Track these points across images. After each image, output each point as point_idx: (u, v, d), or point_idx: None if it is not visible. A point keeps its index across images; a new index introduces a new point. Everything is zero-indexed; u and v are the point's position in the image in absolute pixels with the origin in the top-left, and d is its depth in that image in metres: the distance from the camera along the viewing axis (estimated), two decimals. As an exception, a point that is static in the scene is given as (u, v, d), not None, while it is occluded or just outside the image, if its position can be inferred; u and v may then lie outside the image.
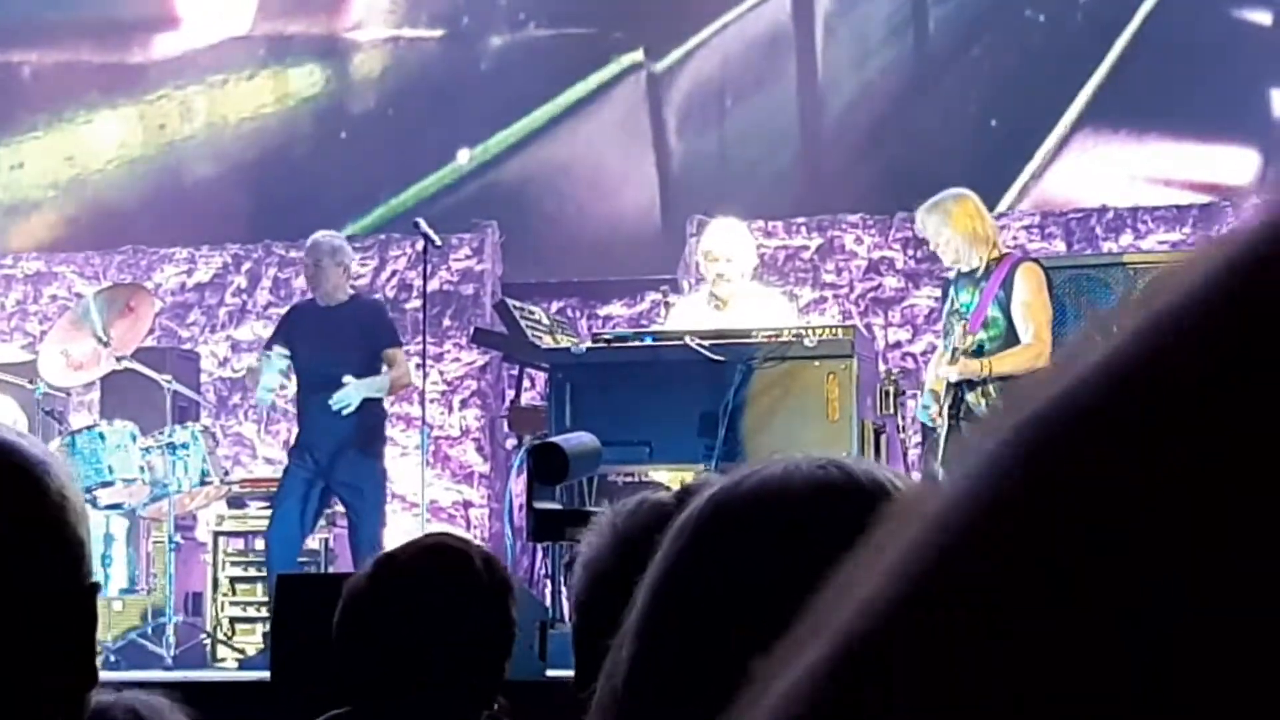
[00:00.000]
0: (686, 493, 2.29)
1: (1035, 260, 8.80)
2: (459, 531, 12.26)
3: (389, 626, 3.16)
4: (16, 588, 1.54)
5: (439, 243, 10.68)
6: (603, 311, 12.82)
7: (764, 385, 8.33)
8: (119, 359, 10.15)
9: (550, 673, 5.69)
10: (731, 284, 9.29)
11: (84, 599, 1.58)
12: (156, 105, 14.00)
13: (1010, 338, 8.38)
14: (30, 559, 1.55)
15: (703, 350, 8.35)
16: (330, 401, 9.79)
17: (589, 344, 8.98)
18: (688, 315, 9.46)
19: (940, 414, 8.43)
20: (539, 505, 4.79)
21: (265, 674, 6.28)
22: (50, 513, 1.57)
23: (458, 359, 12.84)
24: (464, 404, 12.86)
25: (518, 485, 11.25)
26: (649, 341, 8.82)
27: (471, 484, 12.75)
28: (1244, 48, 12.09)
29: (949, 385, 8.40)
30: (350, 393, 9.84)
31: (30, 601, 1.54)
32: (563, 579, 7.51)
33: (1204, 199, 11.94)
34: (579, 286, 12.94)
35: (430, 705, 3.20)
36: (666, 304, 11.43)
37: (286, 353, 9.98)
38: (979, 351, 8.32)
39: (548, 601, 8.11)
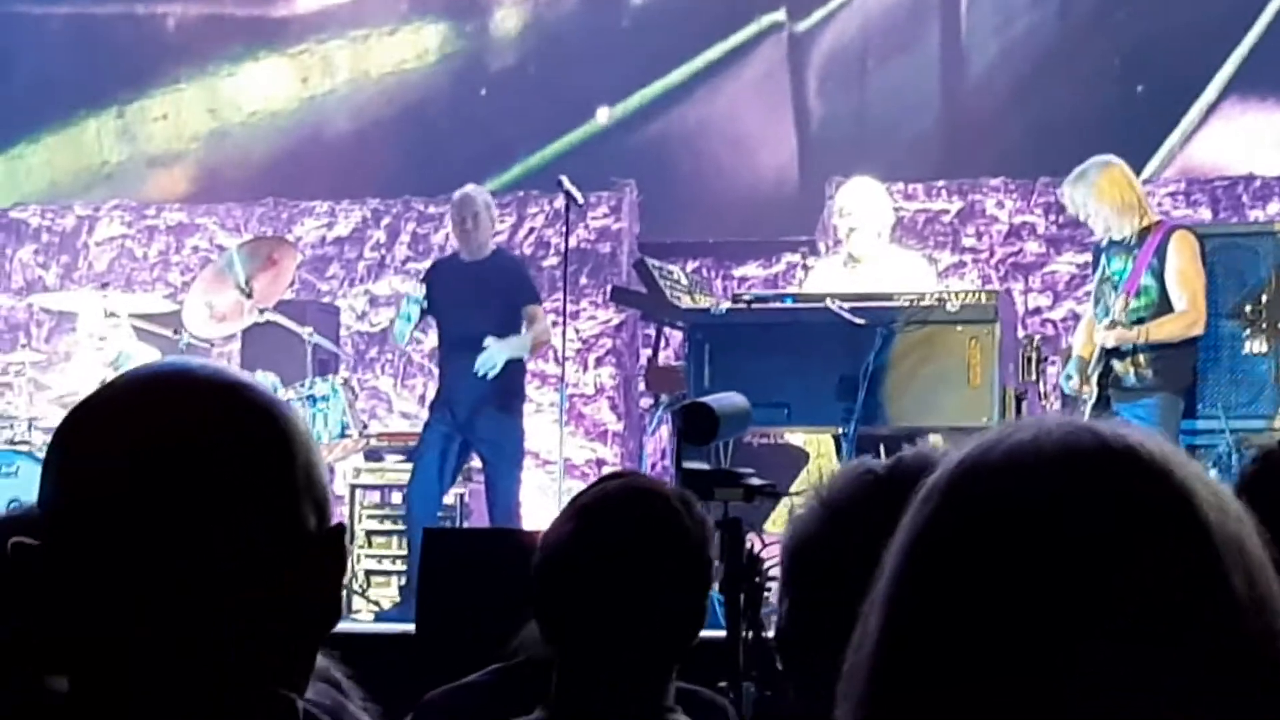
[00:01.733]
0: (899, 464, 2.28)
1: (1189, 228, 8.70)
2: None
3: (595, 576, 3.14)
4: (284, 531, 1.57)
5: (581, 200, 10.68)
6: (738, 272, 12.80)
7: (905, 349, 8.28)
8: (261, 311, 10.23)
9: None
10: (866, 242, 9.26)
11: (334, 540, 1.61)
12: (298, 59, 14.08)
13: (1163, 305, 8.31)
14: (290, 504, 1.58)
15: (843, 313, 8.30)
16: (475, 367, 9.84)
17: (728, 304, 8.95)
18: (824, 276, 9.44)
19: (1088, 382, 8.37)
20: (687, 465, 4.75)
21: (409, 627, 6.32)
22: (305, 456, 1.60)
23: (594, 317, 12.86)
24: (599, 362, 12.88)
25: (653, 444, 11.27)
26: (789, 303, 8.78)
27: (605, 442, 12.78)
28: (1397, 15, 11.90)
29: (1100, 354, 8.33)
30: (494, 354, 9.88)
31: (294, 543, 1.57)
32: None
33: (1352, 168, 11.79)
34: (714, 247, 12.91)
35: (636, 652, 3.18)
36: (805, 266, 11.42)
37: (422, 298, 10.02)
38: (1137, 321, 8.26)
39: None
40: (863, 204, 9.32)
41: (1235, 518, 1.28)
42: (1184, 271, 8.31)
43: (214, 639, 1.54)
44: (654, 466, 11.64)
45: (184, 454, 1.54)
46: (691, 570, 3.20)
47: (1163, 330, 8.27)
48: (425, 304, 10.04)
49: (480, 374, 9.85)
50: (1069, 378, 8.54)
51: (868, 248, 9.25)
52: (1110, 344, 8.26)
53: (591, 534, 3.17)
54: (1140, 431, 1.30)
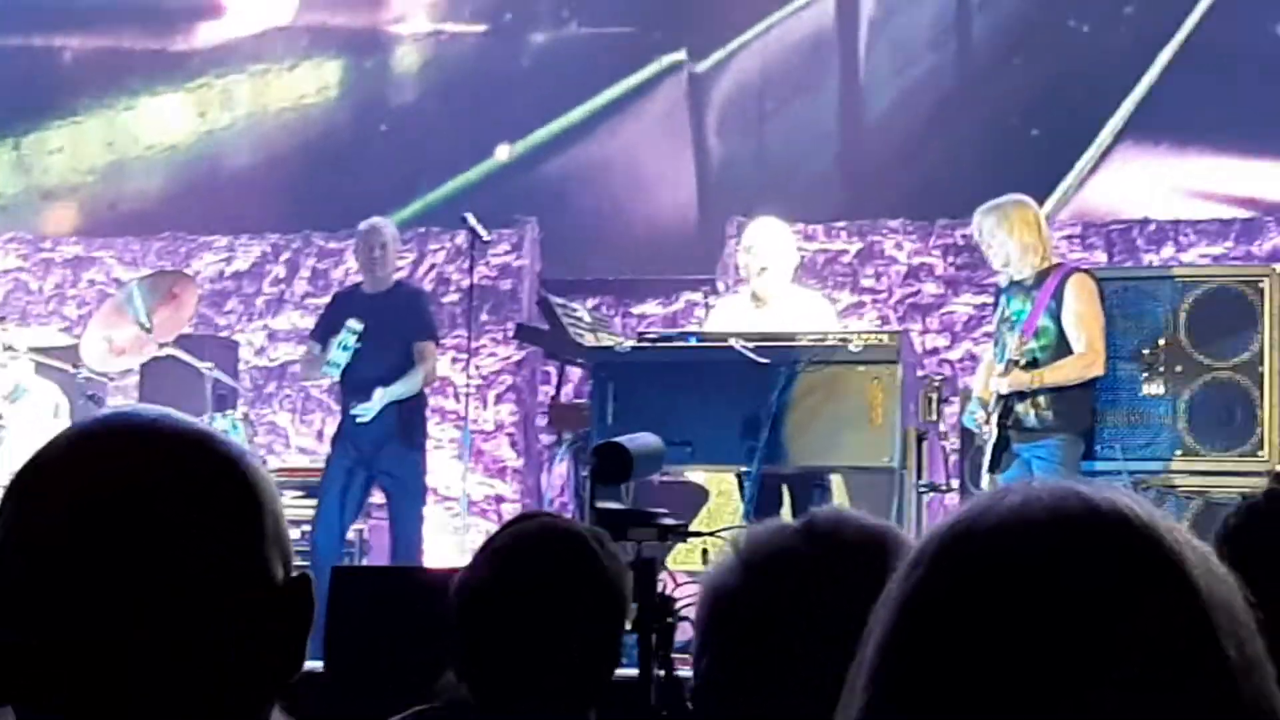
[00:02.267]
0: (814, 521, 2.32)
1: (1087, 271, 8.82)
2: (491, 526, 12.30)
3: (514, 616, 3.14)
4: (252, 581, 1.57)
5: (486, 237, 10.70)
6: (637, 310, 12.83)
7: (808, 388, 8.32)
8: (161, 345, 10.18)
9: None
10: (772, 282, 9.33)
11: (300, 589, 1.61)
12: (198, 93, 14.03)
13: (1061, 347, 8.40)
14: (258, 554, 1.58)
15: (747, 352, 8.34)
16: (353, 412, 9.85)
17: (633, 343, 8.98)
18: (728, 315, 9.49)
19: (989, 422, 8.45)
20: (601, 504, 4.78)
21: (316, 664, 6.30)
22: (271, 506, 1.61)
23: (494, 354, 12.86)
24: (499, 399, 12.88)
25: (552, 481, 11.27)
26: (693, 342, 8.82)
27: (504, 479, 12.77)
28: (1288, 63, 12.08)
29: (999, 395, 8.42)
30: (371, 405, 9.88)
31: (262, 592, 1.57)
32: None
33: (1246, 214, 11.94)
34: (615, 285, 12.95)
35: (554, 694, 3.19)
36: (706, 305, 11.46)
37: (360, 332, 9.96)
38: (1032, 362, 8.34)
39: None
40: (773, 244, 9.39)
41: (1223, 581, 1.30)
42: (1081, 314, 8.41)
43: (178, 691, 1.53)
44: (553, 503, 11.64)
45: (152, 505, 1.53)
46: (608, 609, 3.22)
47: (1059, 373, 8.36)
48: (360, 336, 10.00)
49: (356, 418, 9.85)
50: (972, 414, 8.62)
51: (775, 287, 9.32)
52: (1004, 390, 8.35)
53: (509, 575, 3.18)
54: (1128, 496, 1.32)
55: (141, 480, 1.54)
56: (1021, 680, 1.23)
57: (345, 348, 9.94)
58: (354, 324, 9.97)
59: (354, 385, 10.01)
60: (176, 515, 1.53)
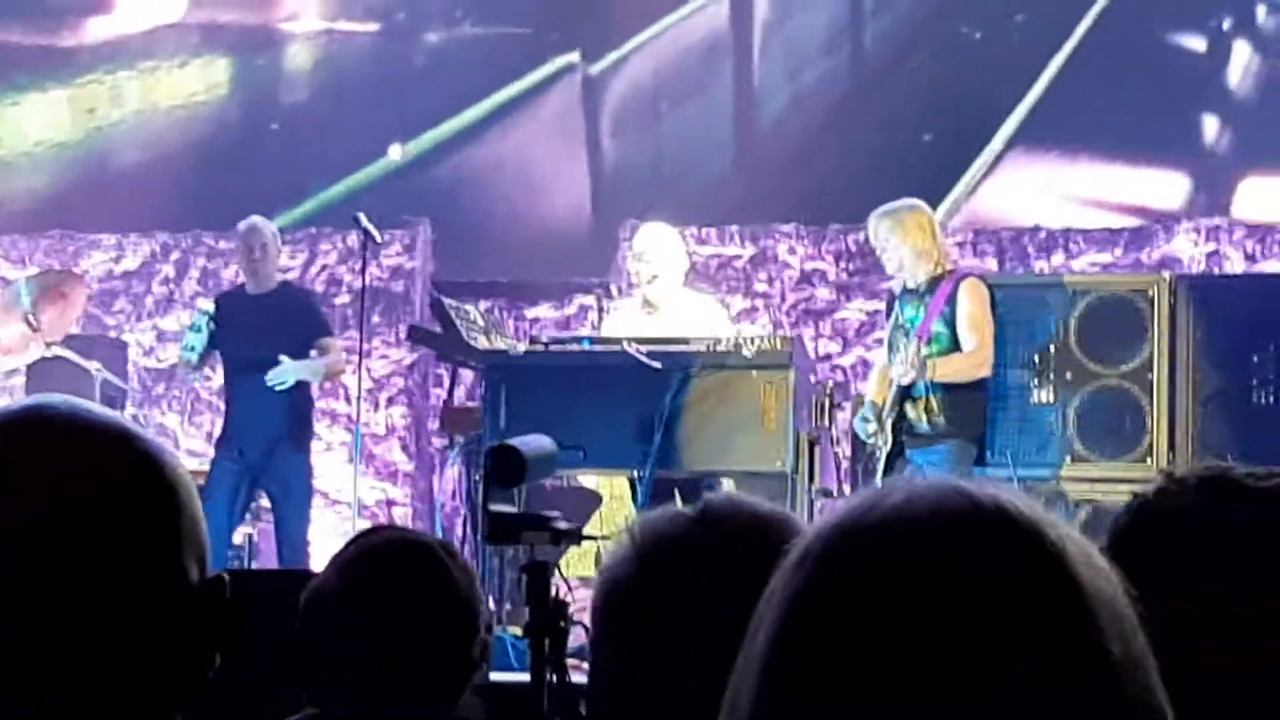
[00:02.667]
0: (709, 507, 2.31)
1: (980, 276, 8.87)
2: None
3: (361, 627, 3.13)
4: (165, 582, 1.55)
5: (380, 239, 10.64)
6: (530, 313, 12.80)
7: (701, 393, 8.34)
8: (48, 345, 10.07)
9: (493, 676, 5.67)
10: (663, 288, 9.34)
11: (214, 591, 1.59)
12: (86, 89, 13.88)
13: (954, 352, 8.45)
14: (173, 555, 1.56)
15: (640, 356, 8.35)
16: (266, 377, 9.74)
17: (526, 346, 8.97)
18: (621, 321, 9.49)
19: (882, 429, 8.48)
20: (494, 508, 4.75)
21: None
22: (189, 506, 1.58)
23: (385, 356, 12.80)
24: (390, 402, 12.82)
25: (446, 485, 11.23)
26: (586, 346, 8.83)
27: (395, 482, 12.71)
28: (1177, 73, 12.19)
29: (894, 399, 8.44)
30: (286, 371, 9.79)
31: (175, 594, 1.55)
32: (515, 583, 7.51)
33: (1135, 222, 12.04)
34: (507, 287, 12.91)
35: (404, 702, 3.18)
36: (601, 309, 11.45)
37: (212, 313, 9.91)
38: (923, 367, 8.38)
39: (491, 604, 8.08)
40: (663, 250, 9.41)
41: (1105, 577, 1.30)
42: (973, 315, 8.46)
43: (85, 691, 1.51)
44: (444, 507, 11.60)
45: (69, 499, 1.51)
46: (456, 621, 3.21)
47: (950, 366, 8.41)
48: (215, 320, 9.92)
49: (271, 384, 9.75)
50: (865, 421, 8.64)
51: (666, 293, 9.33)
52: (904, 381, 8.37)
53: (356, 585, 3.17)
54: (1010, 492, 1.32)
55: (58, 475, 1.52)
56: (904, 674, 1.23)
57: (198, 329, 9.88)
58: (204, 304, 9.93)
59: (244, 386, 9.93)
60: (93, 512, 1.51)
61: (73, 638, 1.50)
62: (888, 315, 8.94)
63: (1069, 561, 1.28)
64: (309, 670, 3.21)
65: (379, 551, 3.23)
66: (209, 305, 9.91)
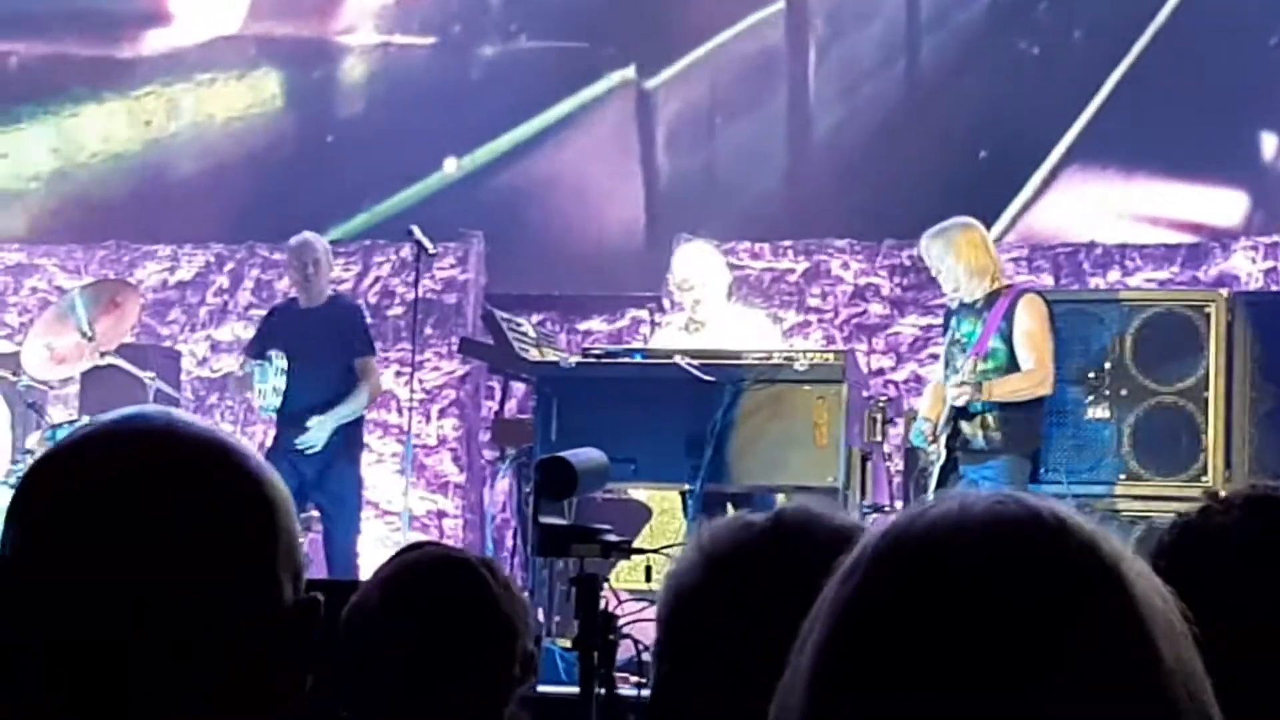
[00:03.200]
0: (781, 517, 2.27)
1: (1038, 292, 8.82)
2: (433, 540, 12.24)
3: (402, 643, 3.12)
4: (261, 601, 1.55)
5: (432, 250, 10.65)
6: (582, 326, 12.80)
7: (752, 407, 8.31)
8: (102, 354, 10.10)
9: (541, 688, 5.66)
10: (708, 307, 9.32)
11: (309, 611, 1.58)
12: (143, 101, 13.94)
13: (1012, 368, 8.40)
14: (270, 574, 1.55)
15: (692, 370, 8.34)
16: (296, 442, 9.81)
17: (577, 358, 8.95)
18: (667, 340, 9.46)
19: (936, 441, 8.44)
20: (545, 520, 4.75)
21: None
22: (287, 525, 1.59)
23: (438, 368, 12.81)
24: (442, 413, 12.82)
25: (497, 497, 11.23)
26: (638, 359, 8.81)
27: (446, 494, 12.71)
28: (1236, 89, 12.11)
29: (949, 416, 8.40)
30: (316, 434, 9.85)
31: (270, 613, 1.55)
32: (564, 595, 7.50)
33: (1191, 239, 11.97)
34: (560, 300, 12.91)
35: (441, 718, 3.17)
36: (653, 323, 11.44)
37: (284, 355, 9.94)
38: (979, 383, 8.33)
39: (540, 616, 8.08)
40: (703, 273, 9.40)
41: (1159, 592, 1.30)
42: (1031, 333, 8.41)
43: (178, 704, 1.50)
44: (495, 519, 11.60)
45: (172, 513, 1.51)
46: (497, 639, 3.20)
47: (1008, 386, 8.36)
48: (285, 366, 9.97)
49: (302, 449, 9.81)
50: (920, 433, 8.59)
51: (711, 311, 9.31)
52: (959, 402, 8.32)
53: (397, 602, 3.17)
54: (1065, 506, 1.31)
55: (163, 487, 1.52)
56: (960, 683, 1.23)
57: (277, 391, 9.92)
58: (278, 360, 9.94)
59: (290, 404, 9.97)
60: (195, 526, 1.51)
61: (163, 645, 1.49)
62: (944, 330, 8.89)
63: (1123, 572, 1.28)
64: (348, 683, 3.21)
65: (419, 567, 3.24)
66: (283, 362, 9.92)
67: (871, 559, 1.29)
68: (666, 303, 11.97)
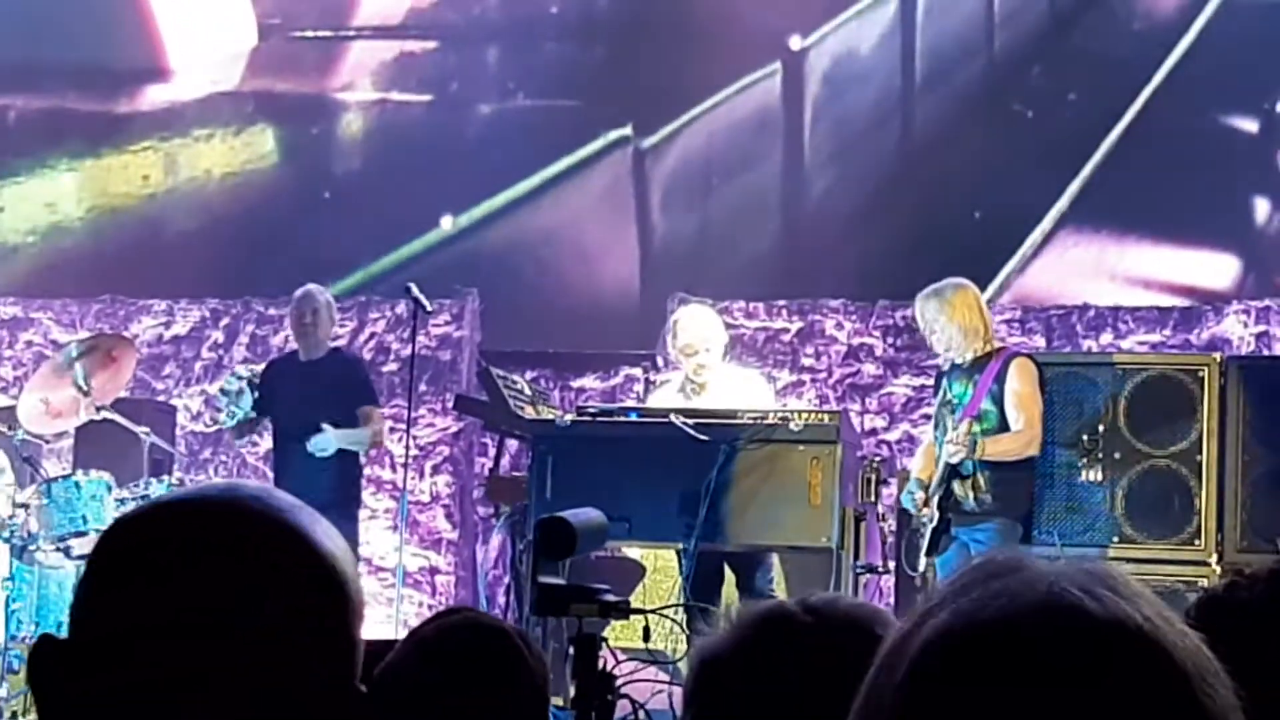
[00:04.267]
0: (807, 599, 2.29)
1: (1029, 355, 8.85)
2: (424, 597, 12.23)
3: (433, 706, 3.12)
4: (339, 688, 1.55)
5: (430, 308, 10.68)
6: (576, 383, 12.81)
7: (747, 467, 8.32)
8: (98, 409, 10.10)
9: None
10: (708, 371, 9.33)
11: (357, 702, 1.57)
12: (140, 156, 13.98)
13: (1003, 430, 8.42)
14: (347, 663, 1.55)
15: (687, 429, 8.34)
16: (308, 444, 9.79)
17: (573, 416, 8.96)
18: (667, 399, 9.45)
19: (928, 502, 8.46)
20: (543, 580, 4.76)
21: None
22: (358, 613, 1.59)
23: (431, 424, 12.82)
24: (435, 470, 12.82)
25: (490, 553, 11.23)
26: (633, 417, 8.81)
27: (439, 550, 12.71)
28: (1228, 154, 12.17)
29: (941, 477, 8.42)
30: (328, 439, 9.84)
31: (346, 701, 1.55)
32: (557, 653, 7.49)
33: (1184, 302, 12.00)
34: (554, 357, 12.92)
35: None
36: (648, 380, 11.44)
37: (249, 377, 9.98)
38: (973, 446, 8.35)
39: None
40: (710, 338, 9.37)
41: (1225, 697, 1.28)
42: (1021, 394, 8.44)
43: None
44: (488, 576, 11.59)
45: (251, 600, 1.51)
46: (529, 709, 3.20)
47: (999, 445, 8.38)
48: (257, 387, 9.98)
49: (312, 450, 9.80)
50: (910, 494, 8.62)
51: (711, 374, 9.32)
52: (954, 459, 8.35)
53: (433, 667, 3.16)
54: (1124, 596, 1.28)
55: (242, 577, 1.52)
56: None
57: (231, 393, 9.95)
58: (242, 369, 9.99)
59: (291, 451, 9.97)
60: (272, 615, 1.51)
61: None
62: (935, 391, 8.92)
63: (1191, 682, 1.26)
64: None
65: (456, 634, 3.23)
66: (245, 370, 9.96)
67: (923, 659, 1.27)
68: (660, 361, 11.99)
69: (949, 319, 8.50)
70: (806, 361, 12.42)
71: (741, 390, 9.30)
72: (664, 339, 12.10)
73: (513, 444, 10.89)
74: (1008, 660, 1.24)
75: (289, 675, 1.51)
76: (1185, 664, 1.26)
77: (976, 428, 8.35)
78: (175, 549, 1.52)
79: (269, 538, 1.56)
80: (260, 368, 10.50)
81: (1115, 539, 8.81)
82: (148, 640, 1.48)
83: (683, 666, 5.01)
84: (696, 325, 9.46)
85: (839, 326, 12.44)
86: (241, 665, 1.49)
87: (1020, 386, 8.44)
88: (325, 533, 1.61)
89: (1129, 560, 8.74)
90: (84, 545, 9.76)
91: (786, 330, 12.51)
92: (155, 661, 1.48)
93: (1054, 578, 1.29)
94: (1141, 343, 11.77)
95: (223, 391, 10.06)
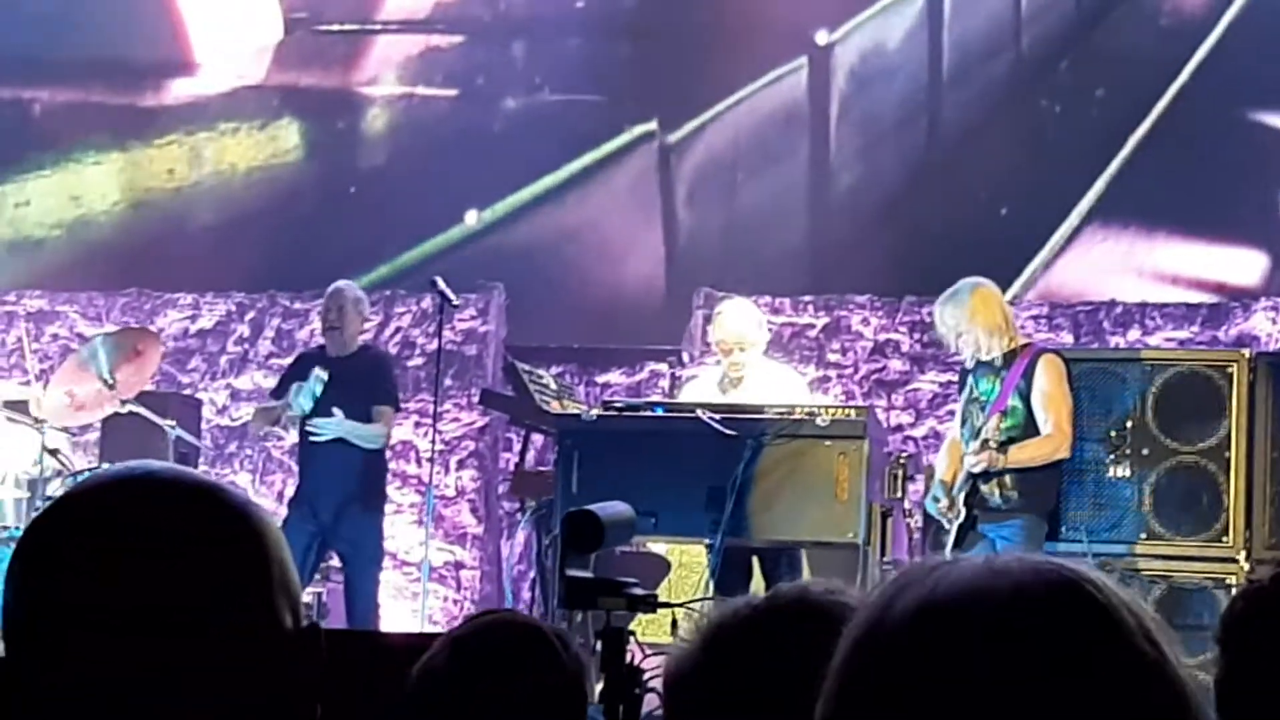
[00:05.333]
0: (776, 597, 2.29)
1: (1057, 351, 8.81)
2: (449, 592, 12.23)
3: (470, 706, 3.11)
4: (262, 629, 1.58)
5: (456, 302, 10.67)
6: (601, 379, 12.81)
7: (773, 462, 8.30)
8: (123, 402, 10.11)
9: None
10: (748, 366, 9.29)
11: (310, 639, 1.61)
12: (166, 149, 13.99)
13: (1030, 427, 8.38)
14: (267, 602, 1.59)
15: (714, 423, 8.32)
16: (310, 424, 9.81)
17: (599, 411, 8.94)
18: (700, 394, 9.40)
19: (952, 506, 8.41)
20: (571, 573, 4.73)
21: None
22: (279, 554, 1.62)
23: (457, 419, 12.81)
24: (460, 465, 12.82)
25: (515, 548, 11.22)
26: (659, 412, 8.79)
27: (464, 545, 12.71)
28: (1256, 149, 12.13)
29: (964, 478, 8.38)
30: (329, 423, 9.83)
31: (272, 641, 1.58)
32: (591, 647, 7.48)
33: (1211, 298, 11.97)
34: (579, 353, 12.92)
35: None
36: (673, 375, 11.42)
37: (326, 379, 9.94)
38: (1007, 442, 8.30)
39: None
40: (748, 334, 9.33)
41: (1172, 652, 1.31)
42: (1050, 394, 8.40)
43: None
44: (513, 570, 11.59)
45: (164, 555, 1.54)
46: (568, 708, 3.19)
47: (1025, 453, 8.35)
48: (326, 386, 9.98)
49: (315, 431, 9.81)
50: (935, 500, 8.57)
51: (750, 369, 9.28)
52: (977, 469, 8.31)
53: (471, 666, 3.16)
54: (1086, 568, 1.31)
55: (162, 526, 1.56)
56: None
57: (313, 395, 9.90)
58: (320, 372, 9.94)
59: (319, 447, 9.97)
60: (194, 560, 1.55)
61: (171, 677, 1.52)
62: (960, 388, 8.88)
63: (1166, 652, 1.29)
64: None
65: (494, 633, 3.22)
66: (324, 374, 9.92)
67: (896, 628, 1.28)
68: (686, 357, 11.97)
69: (971, 319, 8.44)
70: (833, 357, 12.40)
71: (778, 386, 9.27)
72: (690, 333, 12.10)
73: (538, 439, 10.88)
74: (981, 622, 1.26)
75: (211, 608, 1.55)
76: (1120, 610, 1.28)
77: (1002, 424, 8.31)
78: (100, 510, 1.58)
79: (190, 490, 1.61)
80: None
81: (1143, 535, 8.77)
82: (84, 632, 1.53)
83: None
84: (737, 319, 9.42)
85: (865, 322, 12.42)
86: (167, 601, 1.54)
87: (1049, 387, 8.39)
88: (239, 491, 1.67)
89: (1157, 557, 8.72)
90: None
91: (813, 326, 12.49)
92: (98, 657, 1.52)
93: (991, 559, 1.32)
94: (1169, 339, 11.75)
95: (310, 395, 10.01)
